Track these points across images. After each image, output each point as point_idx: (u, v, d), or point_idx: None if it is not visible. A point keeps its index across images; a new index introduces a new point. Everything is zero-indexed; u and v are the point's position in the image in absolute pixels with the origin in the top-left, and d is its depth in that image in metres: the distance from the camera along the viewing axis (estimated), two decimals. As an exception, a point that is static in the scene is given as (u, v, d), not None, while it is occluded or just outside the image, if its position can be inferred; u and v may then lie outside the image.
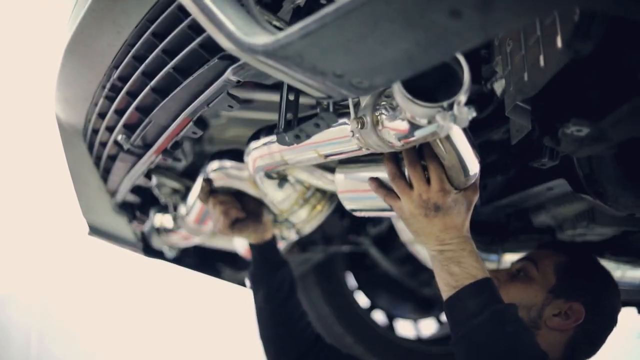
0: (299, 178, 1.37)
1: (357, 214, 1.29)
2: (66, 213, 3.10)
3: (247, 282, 2.03)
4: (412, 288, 2.33)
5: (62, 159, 1.72)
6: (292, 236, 1.63)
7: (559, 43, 0.77)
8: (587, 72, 0.87)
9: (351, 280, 2.37)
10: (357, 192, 1.22)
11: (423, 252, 1.74)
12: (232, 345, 3.91)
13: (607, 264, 1.51)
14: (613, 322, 1.38)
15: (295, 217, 1.48)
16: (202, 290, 3.76)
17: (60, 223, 3.79)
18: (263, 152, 1.27)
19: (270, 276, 1.56)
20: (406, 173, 1.08)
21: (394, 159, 1.10)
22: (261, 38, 0.74)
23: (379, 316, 2.39)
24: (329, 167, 1.31)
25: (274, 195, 1.41)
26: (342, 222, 2.00)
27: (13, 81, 3.86)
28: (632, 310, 2.04)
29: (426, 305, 2.45)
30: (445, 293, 1.09)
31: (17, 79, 3.85)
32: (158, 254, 1.96)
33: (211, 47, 0.98)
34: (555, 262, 1.36)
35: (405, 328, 2.45)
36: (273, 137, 1.22)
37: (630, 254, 1.58)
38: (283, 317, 1.55)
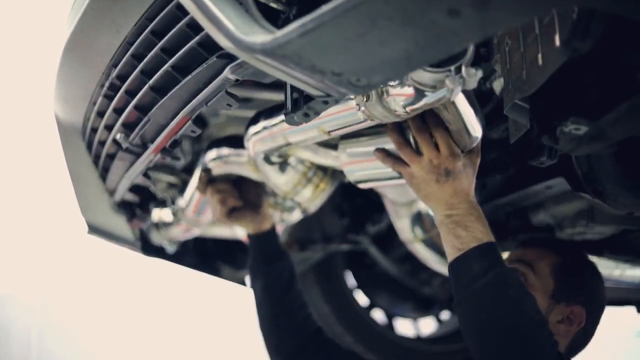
0: (301, 158, 1.37)
1: (363, 185, 1.30)
2: (65, 212, 3.10)
3: (247, 280, 2.03)
4: (411, 287, 2.33)
5: (61, 158, 1.72)
6: (298, 216, 1.63)
7: (558, 41, 0.77)
8: (585, 71, 0.87)
9: (350, 279, 2.37)
10: (361, 162, 1.23)
11: (422, 251, 1.73)
12: (232, 344, 3.91)
13: (607, 263, 1.51)
14: (603, 310, 1.40)
15: (300, 197, 1.48)
16: (201, 290, 3.76)
17: (60, 222, 3.80)
18: (264, 135, 1.27)
19: (269, 267, 1.54)
20: (411, 140, 1.10)
21: (398, 128, 1.12)
22: (259, 36, 0.74)
23: (378, 315, 2.38)
24: (331, 144, 1.31)
25: (277, 179, 1.41)
26: (341, 221, 1.99)
27: (12, 80, 3.86)
28: (631, 309, 2.03)
29: (426, 304, 2.44)
30: (451, 256, 1.09)
31: (16, 77, 3.85)
32: (157, 253, 1.95)
33: (210, 46, 0.98)
34: (550, 263, 1.36)
35: (404, 327, 2.44)
36: (273, 120, 1.22)
37: (630, 252, 1.57)
38: (282, 308, 1.52)
